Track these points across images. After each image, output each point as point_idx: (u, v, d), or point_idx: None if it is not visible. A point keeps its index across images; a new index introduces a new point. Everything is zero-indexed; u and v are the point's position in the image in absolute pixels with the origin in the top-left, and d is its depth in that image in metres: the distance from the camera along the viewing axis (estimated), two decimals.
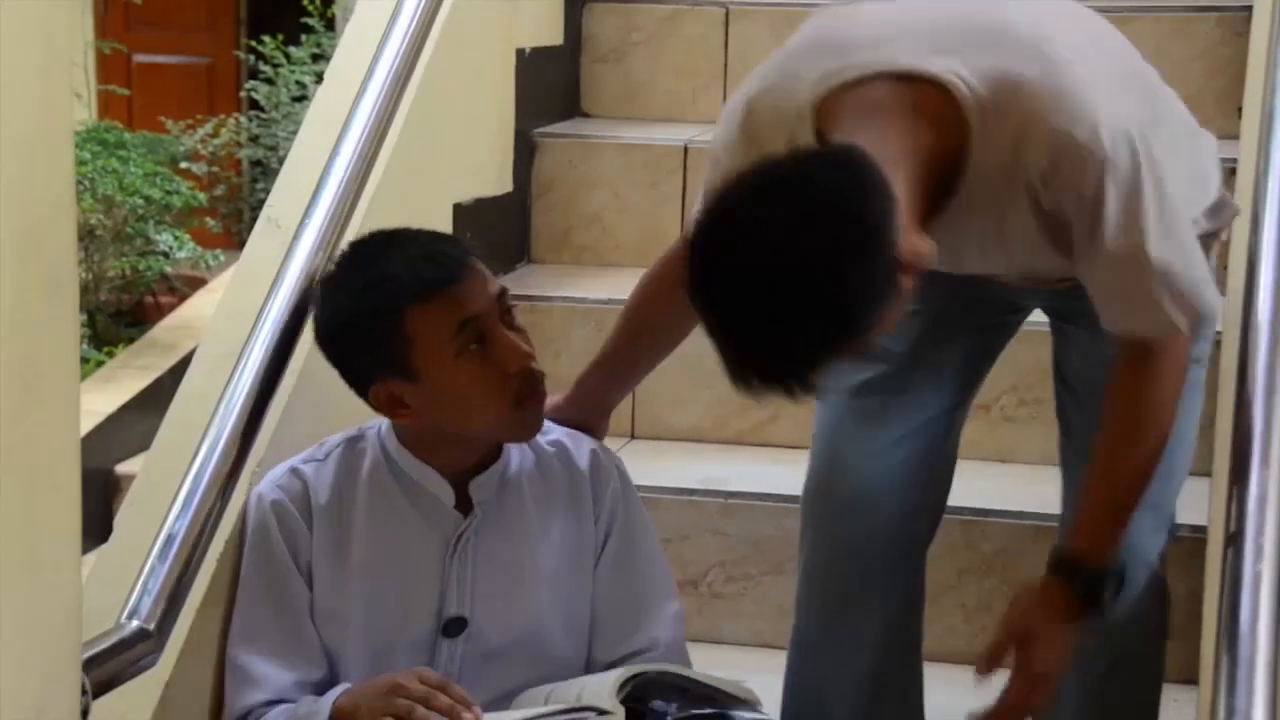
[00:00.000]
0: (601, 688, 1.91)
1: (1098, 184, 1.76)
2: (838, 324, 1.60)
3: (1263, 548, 1.81)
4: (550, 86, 3.48)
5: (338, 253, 2.14)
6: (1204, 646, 1.86)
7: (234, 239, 6.76)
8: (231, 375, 2.21)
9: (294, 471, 2.08)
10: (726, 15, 3.53)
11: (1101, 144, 1.75)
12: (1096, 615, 1.94)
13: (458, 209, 3.07)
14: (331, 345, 2.07)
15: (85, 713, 1.65)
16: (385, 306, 1.98)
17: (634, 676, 1.95)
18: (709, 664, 2.41)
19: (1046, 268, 1.93)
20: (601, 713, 1.87)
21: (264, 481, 2.10)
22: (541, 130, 3.40)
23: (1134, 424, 1.92)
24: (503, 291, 2.03)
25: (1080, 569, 1.94)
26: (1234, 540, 1.83)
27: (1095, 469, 1.96)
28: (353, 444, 2.11)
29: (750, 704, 2.03)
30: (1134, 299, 1.85)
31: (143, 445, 4.65)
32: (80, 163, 5.29)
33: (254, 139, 6.70)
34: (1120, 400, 1.93)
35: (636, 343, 2.22)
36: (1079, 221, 1.79)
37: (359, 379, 2.05)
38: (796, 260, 1.57)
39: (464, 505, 2.07)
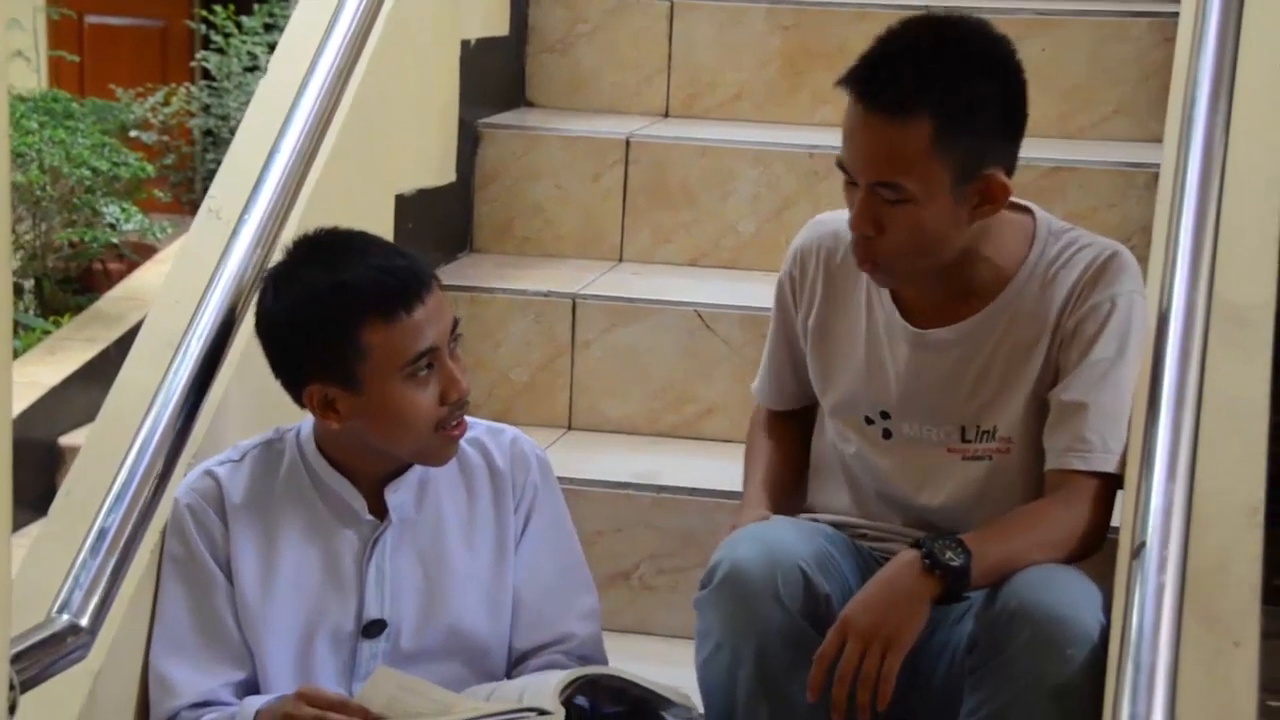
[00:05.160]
0: (544, 688, 1.95)
1: (1115, 300, 2.10)
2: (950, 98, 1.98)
3: (1167, 559, 1.87)
4: (495, 77, 3.50)
5: (289, 243, 2.14)
6: (1110, 653, 1.92)
7: (185, 207, 6.74)
8: (168, 368, 2.24)
9: (208, 473, 2.12)
10: (671, 9, 3.55)
11: (1132, 282, 2.13)
12: (937, 580, 1.97)
13: (400, 200, 3.10)
14: (274, 338, 2.08)
15: (13, 707, 1.67)
16: (346, 315, 2.00)
17: (577, 679, 1.99)
18: (639, 655, 2.47)
19: (1002, 416, 2.16)
20: (542, 713, 1.91)
21: (180, 486, 2.13)
22: (486, 121, 3.41)
23: (1029, 535, 2.05)
24: (455, 321, 2.06)
25: (943, 541, 1.98)
26: (1139, 551, 1.88)
27: (1004, 520, 2.08)
28: (269, 446, 2.14)
29: (686, 709, 2.07)
30: (1089, 413, 2.07)
31: (87, 417, 4.64)
32: (27, 133, 5.26)
33: (205, 109, 6.68)
34: (1034, 505, 2.11)
35: (786, 485, 2.35)
36: (1078, 342, 2.10)
37: (295, 376, 2.07)
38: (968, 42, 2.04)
39: (381, 510, 2.11)
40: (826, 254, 2.25)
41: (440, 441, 2.06)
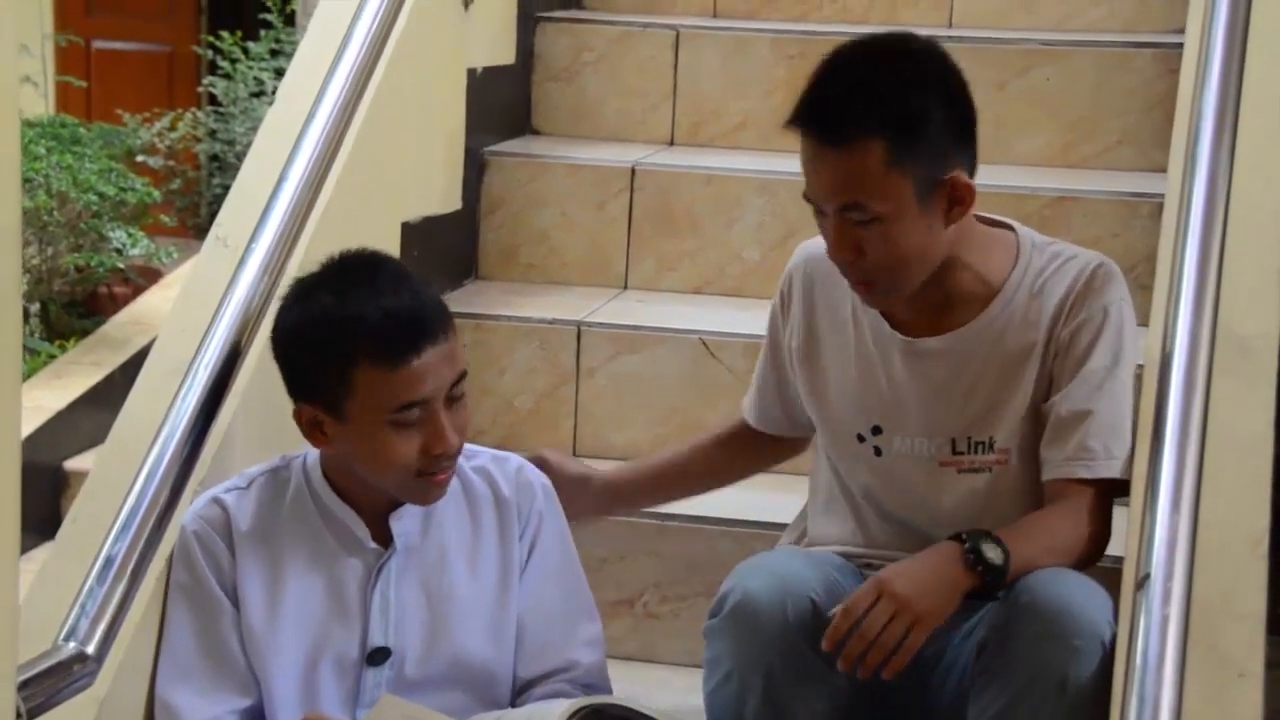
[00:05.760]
0: (548, 718, 1.94)
1: (1107, 310, 2.12)
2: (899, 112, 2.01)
3: (1171, 591, 1.88)
4: (501, 105, 3.52)
5: (329, 257, 2.11)
6: (1114, 685, 1.92)
7: (191, 232, 6.76)
8: (175, 397, 2.25)
9: (215, 501, 2.12)
10: (676, 38, 3.57)
11: (1120, 291, 2.15)
12: (975, 576, 1.99)
13: (406, 227, 3.11)
14: (280, 349, 2.09)
15: None
16: (342, 349, 1.99)
17: (581, 709, 1.98)
18: (643, 682, 2.47)
19: (998, 428, 2.17)
20: None
21: (187, 513, 2.13)
22: (491, 149, 3.43)
23: (1041, 541, 2.06)
24: (460, 376, 2.03)
25: (986, 538, 2.00)
26: (1143, 583, 1.89)
27: (1017, 526, 2.08)
28: (276, 474, 2.14)
29: None
30: (1092, 422, 2.09)
31: (92, 441, 4.67)
32: (35, 158, 5.27)
33: (211, 134, 6.71)
34: (1041, 514, 2.12)
35: (677, 476, 2.48)
36: (1073, 353, 2.12)
37: (293, 390, 2.08)
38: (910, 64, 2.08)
39: (386, 538, 2.12)
40: (808, 274, 2.28)
41: (422, 485, 2.05)
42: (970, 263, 2.15)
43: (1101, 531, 2.11)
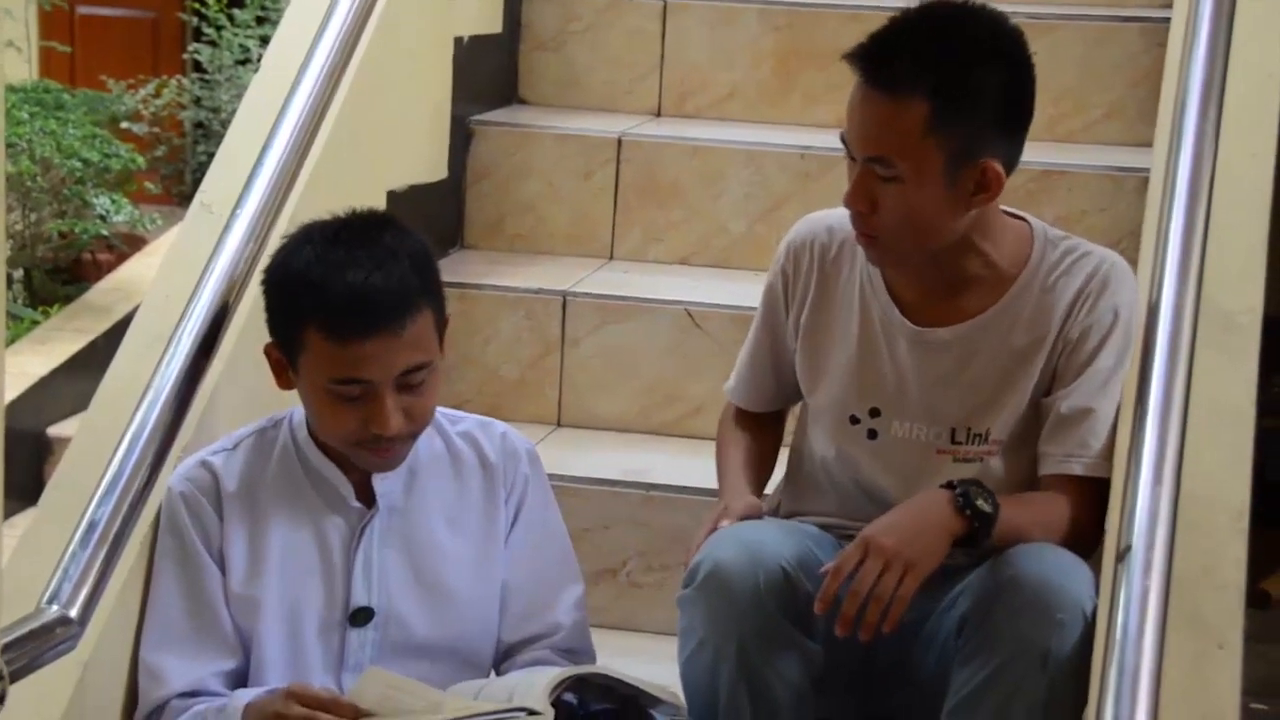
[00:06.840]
0: (533, 688, 1.95)
1: (1118, 311, 2.13)
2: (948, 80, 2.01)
3: (1152, 563, 1.88)
4: (488, 74, 3.51)
5: (352, 207, 2.10)
6: (1095, 656, 1.93)
7: (175, 199, 6.74)
8: (159, 363, 2.25)
9: (203, 464, 2.12)
10: (664, 8, 3.56)
11: (1130, 291, 2.16)
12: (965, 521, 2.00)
13: (392, 196, 3.10)
14: (263, 284, 2.09)
15: (2, 697, 1.68)
16: (298, 307, 2.00)
17: (566, 679, 1.99)
18: (626, 651, 2.48)
19: (995, 420, 2.17)
20: (532, 713, 1.90)
21: (174, 475, 2.13)
22: (478, 118, 3.42)
23: (1032, 513, 2.09)
24: (418, 366, 2.00)
25: (976, 486, 2.01)
26: (1124, 555, 1.90)
27: (1013, 497, 2.10)
28: (264, 434, 2.15)
29: (674, 706, 2.08)
30: (1094, 420, 2.10)
31: (76, 408, 4.67)
32: (18, 123, 5.26)
33: (196, 101, 6.68)
34: (1033, 494, 2.14)
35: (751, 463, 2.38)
36: (1080, 351, 2.12)
37: (269, 323, 2.09)
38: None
39: (370, 497, 2.12)
40: (820, 249, 2.26)
41: (364, 454, 2.06)
42: (986, 249, 2.15)
43: (1093, 526, 2.11)
